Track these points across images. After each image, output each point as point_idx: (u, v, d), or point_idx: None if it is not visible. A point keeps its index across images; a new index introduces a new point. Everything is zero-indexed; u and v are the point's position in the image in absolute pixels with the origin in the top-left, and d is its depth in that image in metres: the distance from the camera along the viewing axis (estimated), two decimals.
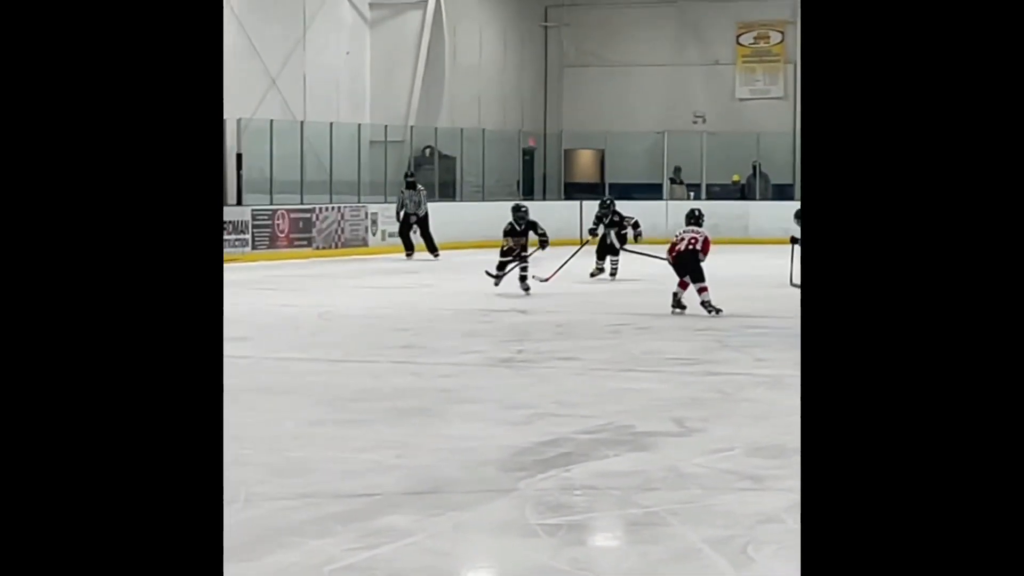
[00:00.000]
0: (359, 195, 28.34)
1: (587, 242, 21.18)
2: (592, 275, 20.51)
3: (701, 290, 15.67)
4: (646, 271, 19.38)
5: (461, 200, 31.35)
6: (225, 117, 27.26)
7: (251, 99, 27.33)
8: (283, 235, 25.97)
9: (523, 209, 18.97)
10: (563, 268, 19.20)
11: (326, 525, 6.39)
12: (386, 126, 30.45)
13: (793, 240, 18.95)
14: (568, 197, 33.73)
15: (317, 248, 26.27)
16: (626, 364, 11.91)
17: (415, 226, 26.14)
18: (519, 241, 18.26)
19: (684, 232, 16.22)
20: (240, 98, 26.81)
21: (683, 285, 15.88)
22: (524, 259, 18.15)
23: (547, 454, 7.96)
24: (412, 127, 31.59)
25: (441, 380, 11.02)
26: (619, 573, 5.85)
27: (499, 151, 33.39)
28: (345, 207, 27.40)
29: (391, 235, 27.34)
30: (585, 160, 36.27)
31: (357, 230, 27.52)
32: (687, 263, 15.83)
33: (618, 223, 20.74)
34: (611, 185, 33.58)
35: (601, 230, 20.70)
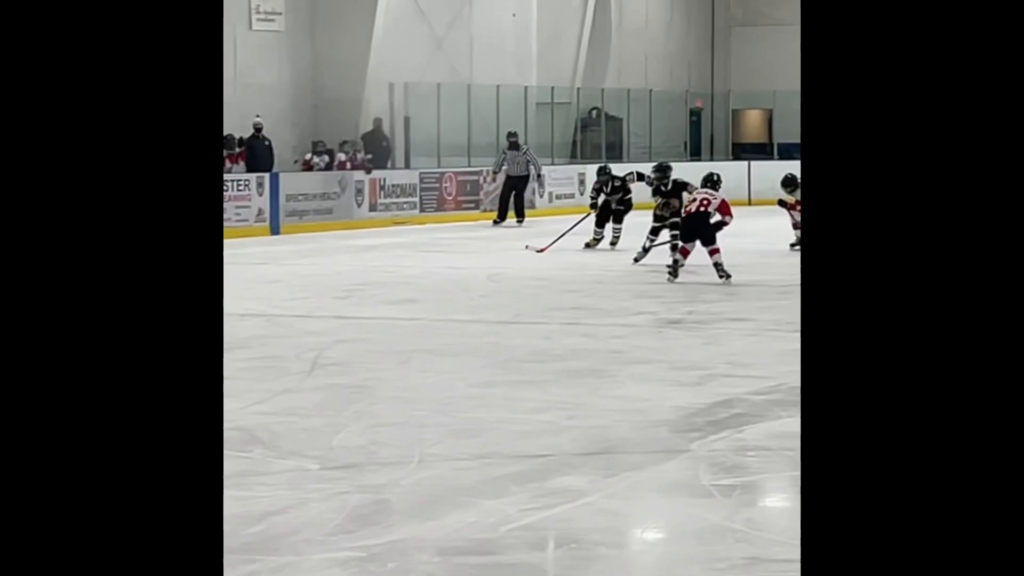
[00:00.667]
0: None
1: (590, 213, 20.00)
2: (587, 245, 19.37)
3: (713, 252, 15.06)
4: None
5: (628, 161, 31.26)
6: (392, 81, 27.39)
7: (418, 62, 27.47)
8: (450, 198, 26.12)
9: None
10: (562, 238, 18.86)
11: (501, 485, 6.44)
12: (552, 88, 30.44)
13: (781, 203, 19.08)
14: (736, 157, 33.49)
15: (484, 210, 26.36)
16: (797, 325, 11.80)
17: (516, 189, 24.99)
18: (673, 204, 16.96)
19: (697, 194, 15.77)
20: (407, 61, 26.98)
21: (684, 252, 15.28)
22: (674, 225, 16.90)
23: (720, 415, 7.95)
24: (578, 89, 31.56)
25: (612, 341, 11.03)
26: (795, 535, 5.83)
27: (666, 112, 33.24)
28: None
29: (559, 197, 27.36)
30: (753, 120, 35.98)
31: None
32: (697, 226, 15.22)
33: (620, 188, 19.68)
34: (779, 145, 33.29)
35: (602, 199, 19.56)
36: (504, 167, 25.19)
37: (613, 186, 19.62)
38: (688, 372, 9.46)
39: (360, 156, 25.05)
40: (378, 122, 25.94)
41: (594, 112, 31.69)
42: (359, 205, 24.38)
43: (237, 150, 23.41)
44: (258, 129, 23.64)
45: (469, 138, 27.54)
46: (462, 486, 6.46)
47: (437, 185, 25.97)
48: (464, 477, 6.64)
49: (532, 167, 25.32)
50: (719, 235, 15.30)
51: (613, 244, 19.41)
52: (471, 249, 20.04)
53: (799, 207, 18.43)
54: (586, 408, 8.29)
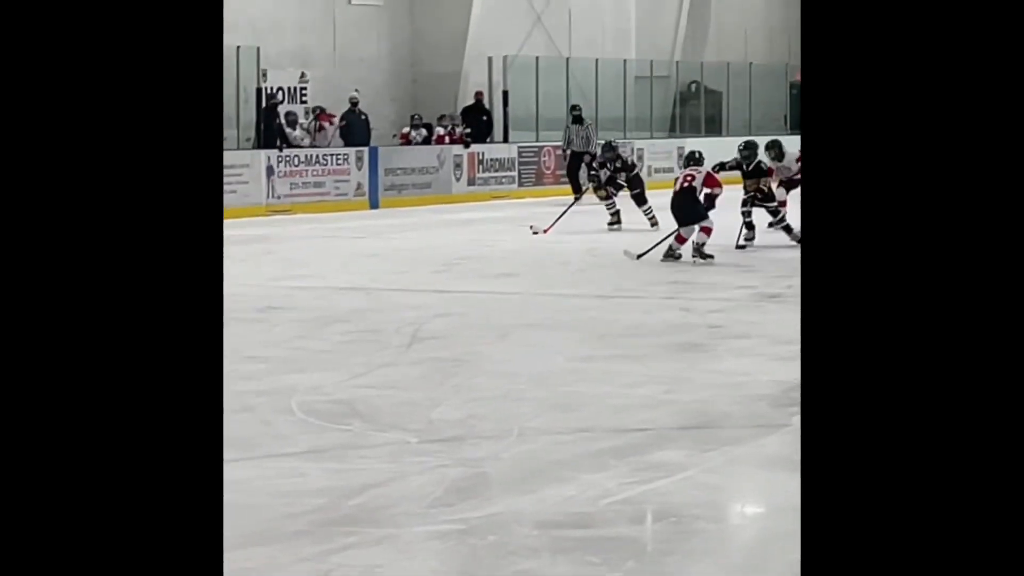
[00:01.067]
0: (624, 131, 28.31)
1: (586, 190, 19.47)
2: (611, 224, 18.76)
3: (702, 230, 14.66)
4: None
5: (727, 135, 31.09)
6: (491, 55, 27.41)
7: (516, 36, 27.47)
8: (549, 172, 26.10)
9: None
10: (561, 218, 18.34)
11: (601, 459, 6.44)
12: (651, 61, 30.33)
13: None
14: None
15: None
16: None
17: (586, 166, 23.48)
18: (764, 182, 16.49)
19: (681, 172, 15.55)
20: (506, 35, 26.98)
21: (680, 239, 14.79)
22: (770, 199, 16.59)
23: None
24: (678, 62, 31.42)
25: (711, 315, 10.99)
26: None
27: (766, 85, 33.01)
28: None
29: (657, 171, 27.26)
30: None
31: None
32: (683, 204, 14.85)
33: (623, 168, 18.95)
34: None
35: (604, 177, 18.70)
36: (571, 143, 24.26)
37: (616, 165, 18.83)
38: (787, 346, 9.40)
39: (459, 130, 25.09)
40: (479, 96, 25.95)
41: (693, 86, 31.54)
42: (458, 179, 24.42)
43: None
44: (354, 103, 23.73)
45: (568, 112, 27.51)
46: (561, 460, 6.46)
47: (536, 159, 25.96)
48: (563, 451, 6.65)
49: (592, 142, 23.95)
50: (718, 206, 15.02)
51: (612, 224, 18.68)
52: (570, 223, 20.02)
53: (774, 175, 18.02)
54: (685, 382, 8.27)
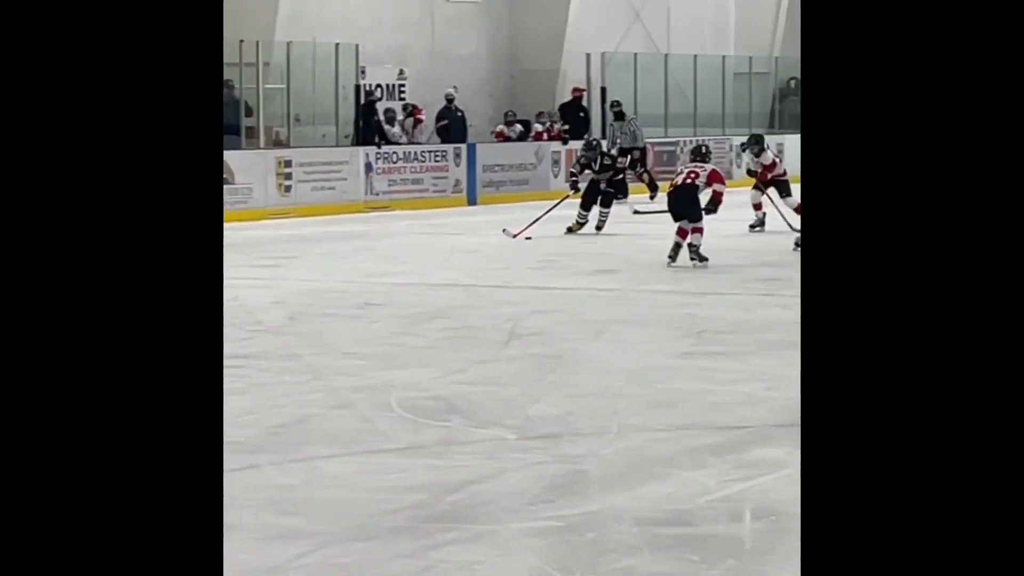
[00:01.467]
0: (723, 128, 28.18)
1: (568, 196, 18.10)
2: (570, 230, 17.44)
3: (695, 231, 14.16)
4: None
5: None
6: (589, 51, 27.36)
7: (615, 33, 27.42)
8: (648, 168, 26.01)
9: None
10: (538, 222, 17.18)
11: (699, 456, 6.41)
12: (751, 58, 30.17)
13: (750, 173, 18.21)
14: None
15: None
16: None
17: (637, 161, 23.18)
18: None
19: (685, 167, 14.99)
20: (604, 32, 26.94)
21: (682, 233, 14.28)
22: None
23: None
24: (777, 58, 31.22)
25: None
26: None
27: None
28: (709, 140, 27.27)
29: None
30: None
31: (722, 162, 27.34)
32: (684, 200, 14.30)
33: (609, 167, 17.77)
34: None
35: (588, 177, 17.63)
36: (618, 141, 23.65)
37: (602, 164, 17.75)
38: None
39: (556, 127, 25.07)
40: (578, 92, 25.91)
41: (792, 82, 31.33)
42: (555, 175, 24.41)
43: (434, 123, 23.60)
44: (450, 100, 23.78)
45: (666, 109, 27.41)
46: (660, 457, 6.44)
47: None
48: (662, 448, 6.62)
49: (639, 138, 23.77)
50: (722, 208, 14.55)
51: (599, 228, 17.54)
52: (667, 220, 19.94)
53: (768, 174, 17.82)
54: (784, 379, 8.21)
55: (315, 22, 22.75)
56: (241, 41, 20.77)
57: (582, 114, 25.97)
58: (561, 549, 5.23)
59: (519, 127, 24.65)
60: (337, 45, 21.95)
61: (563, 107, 25.82)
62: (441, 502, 5.75)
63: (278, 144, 21.54)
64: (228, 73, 20.89)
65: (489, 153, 23.62)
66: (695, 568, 5.00)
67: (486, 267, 14.41)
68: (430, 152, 22.69)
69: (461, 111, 23.98)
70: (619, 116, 24.02)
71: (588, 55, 26.36)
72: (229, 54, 21.04)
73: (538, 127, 25.00)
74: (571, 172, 18.27)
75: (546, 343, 9.67)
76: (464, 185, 23.01)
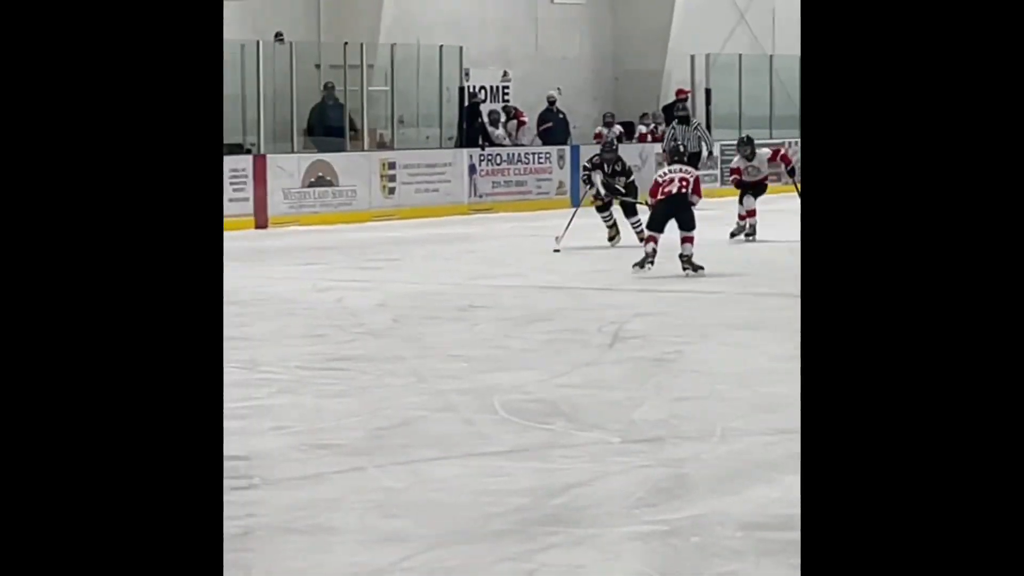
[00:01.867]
0: None
1: (594, 204, 17.17)
2: (611, 240, 16.79)
3: (686, 240, 13.54)
4: None
5: None
6: (693, 52, 27.23)
7: (719, 34, 27.28)
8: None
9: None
10: (569, 228, 16.53)
11: None
12: None
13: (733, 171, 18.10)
14: None
15: (785, 183, 26.05)
16: None
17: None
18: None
19: (672, 172, 14.21)
20: (709, 33, 26.82)
21: (653, 240, 13.71)
22: None
23: None
24: None
25: None
26: None
27: None
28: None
29: None
30: None
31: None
32: (677, 207, 13.66)
33: (620, 173, 16.95)
34: None
35: (599, 180, 16.79)
36: (685, 147, 21.76)
37: (613, 169, 16.93)
38: None
39: (660, 128, 25.01)
40: (684, 95, 25.80)
41: None
42: None
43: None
44: (552, 102, 23.78)
45: (771, 110, 27.24)
46: (765, 461, 6.39)
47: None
48: (767, 452, 6.57)
49: (704, 144, 22.42)
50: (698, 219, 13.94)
51: (640, 237, 15.41)
52: (776, 222, 19.82)
53: (744, 171, 17.57)
54: None
55: (419, 25, 22.83)
56: (345, 44, 20.89)
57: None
58: (665, 553, 5.21)
59: (618, 128, 24.56)
60: (441, 47, 22.01)
61: (666, 109, 25.74)
62: (545, 505, 5.74)
63: (382, 146, 21.63)
64: (332, 76, 21.04)
65: (592, 155, 23.57)
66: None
67: (589, 270, 14.39)
68: (534, 154, 22.71)
69: (563, 113, 23.97)
70: (684, 120, 22.99)
71: (692, 56, 26.27)
72: (334, 56, 21.19)
73: (642, 129, 24.93)
74: (584, 167, 17.67)
75: (649, 346, 9.64)
76: (568, 187, 22.99)
